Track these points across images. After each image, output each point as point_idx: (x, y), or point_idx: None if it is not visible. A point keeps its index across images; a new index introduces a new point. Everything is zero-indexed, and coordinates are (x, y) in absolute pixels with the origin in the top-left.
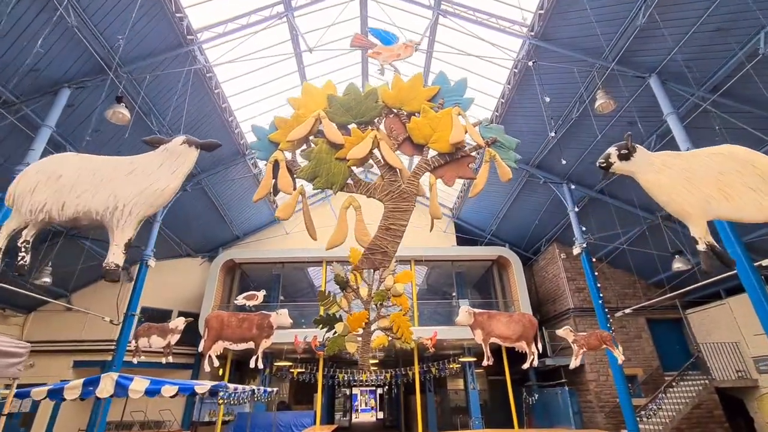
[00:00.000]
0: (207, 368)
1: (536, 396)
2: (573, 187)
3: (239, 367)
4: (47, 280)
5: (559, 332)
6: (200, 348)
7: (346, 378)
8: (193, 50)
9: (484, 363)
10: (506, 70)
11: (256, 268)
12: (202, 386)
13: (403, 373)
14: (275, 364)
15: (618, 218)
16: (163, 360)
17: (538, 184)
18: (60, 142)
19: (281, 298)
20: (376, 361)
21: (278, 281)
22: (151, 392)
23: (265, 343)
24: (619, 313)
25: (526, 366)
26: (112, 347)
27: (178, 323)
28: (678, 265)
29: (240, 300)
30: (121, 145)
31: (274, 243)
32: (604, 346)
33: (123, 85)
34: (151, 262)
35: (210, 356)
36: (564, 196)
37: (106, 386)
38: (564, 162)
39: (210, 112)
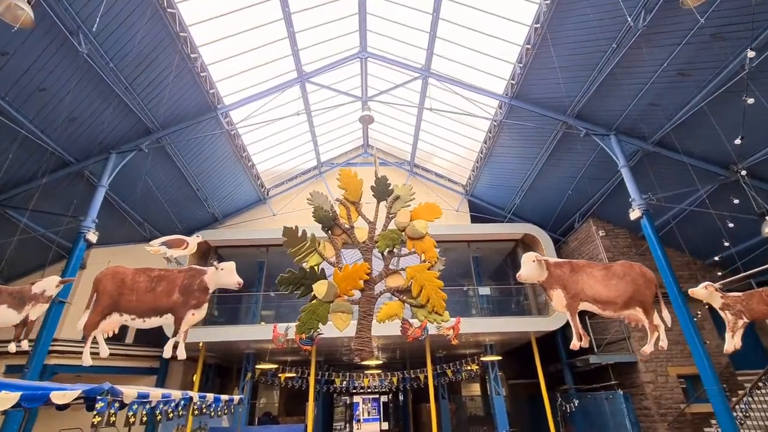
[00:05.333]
0: (86, 361)
1: (576, 402)
2: (623, 139)
3: (221, 373)
4: None
5: (695, 291)
6: (80, 324)
7: (344, 383)
8: None
9: (575, 344)
10: None
11: (235, 254)
12: (64, 395)
13: (412, 376)
14: (258, 367)
15: (680, 178)
16: (12, 348)
17: (575, 141)
18: None
19: (264, 288)
20: (379, 361)
21: (262, 269)
22: None
23: (192, 317)
24: (701, 287)
25: (647, 349)
26: (55, 348)
27: (48, 285)
28: None
29: (155, 245)
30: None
31: (261, 226)
32: None
33: None
34: (92, 236)
35: (97, 338)
36: (612, 150)
37: None
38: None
39: (166, 41)
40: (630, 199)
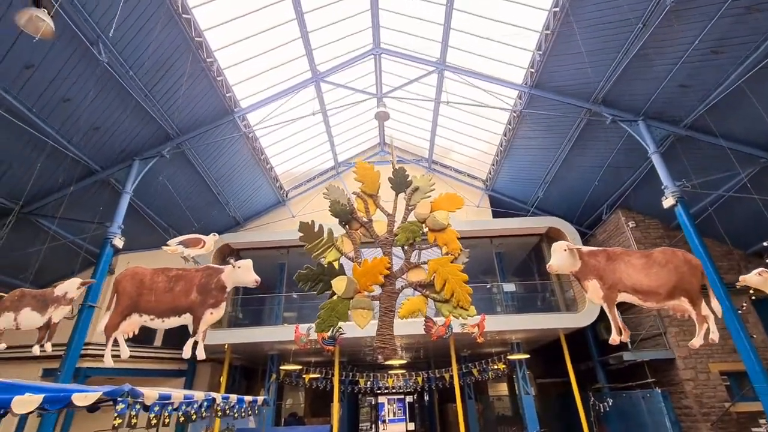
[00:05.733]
0: (108, 363)
1: (610, 401)
2: (652, 124)
3: (247, 375)
4: None
5: (748, 279)
6: (101, 326)
7: (368, 384)
8: None
9: (614, 339)
10: None
11: (257, 256)
12: (86, 397)
13: (437, 376)
14: (282, 368)
15: (717, 162)
16: (36, 350)
17: (600, 129)
18: None
19: (285, 290)
20: (403, 361)
21: (283, 270)
22: None
23: (211, 316)
24: (754, 274)
25: (697, 342)
26: (88, 351)
27: (69, 287)
28: None
29: (173, 245)
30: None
31: (281, 228)
32: None
33: None
34: (118, 242)
35: (118, 339)
36: (641, 137)
37: None
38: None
39: (182, 47)
40: (662, 187)
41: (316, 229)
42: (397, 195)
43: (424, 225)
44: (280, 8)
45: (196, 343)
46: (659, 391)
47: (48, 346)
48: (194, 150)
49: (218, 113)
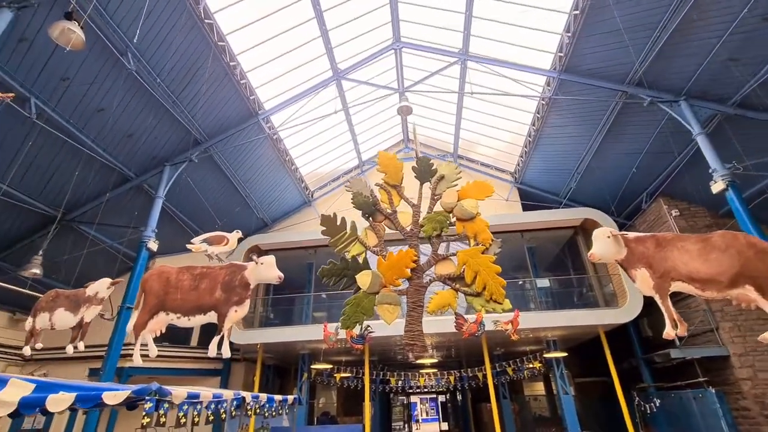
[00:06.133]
0: (137, 361)
1: (657, 402)
2: (696, 104)
3: (280, 374)
4: (36, 271)
5: None
6: (129, 326)
7: (399, 383)
8: None
9: (669, 334)
10: None
11: (286, 256)
12: (116, 395)
13: (470, 375)
14: (313, 367)
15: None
16: (70, 349)
17: (637, 112)
18: None
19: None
20: (434, 359)
21: (311, 270)
22: (27, 406)
23: (235, 314)
24: None
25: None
26: (130, 351)
27: (100, 287)
28: None
29: (197, 243)
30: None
31: (308, 228)
32: None
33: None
34: (152, 245)
35: (146, 338)
36: (684, 118)
37: None
38: None
39: (206, 52)
40: (710, 171)
41: (339, 222)
42: (421, 185)
43: (451, 215)
44: (300, 8)
45: (221, 338)
46: (713, 390)
47: (81, 345)
48: (221, 154)
49: (243, 116)
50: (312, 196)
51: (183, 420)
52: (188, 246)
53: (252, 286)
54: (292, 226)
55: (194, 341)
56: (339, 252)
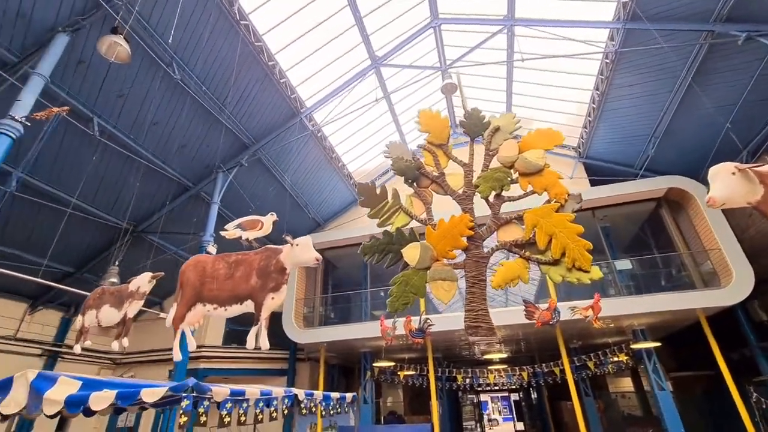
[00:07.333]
0: (176, 357)
1: None
2: None
3: (345, 373)
4: (114, 280)
5: None
6: (168, 320)
7: (466, 381)
8: None
9: None
10: None
11: (340, 255)
12: (153, 392)
13: (545, 370)
14: (375, 365)
15: None
16: (115, 345)
17: (728, 54)
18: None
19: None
20: (502, 354)
21: (366, 267)
22: (72, 404)
23: (272, 302)
24: None
25: None
26: (203, 354)
27: (141, 281)
28: None
29: (230, 228)
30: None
31: (361, 225)
32: None
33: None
34: (211, 249)
35: (185, 331)
36: None
37: (17, 395)
38: None
39: (244, 54)
40: None
41: (379, 191)
42: (472, 140)
43: (512, 170)
44: None
45: (258, 329)
46: None
47: (125, 342)
48: (269, 156)
49: (286, 116)
50: None
51: (227, 419)
52: (222, 233)
53: (288, 271)
54: (345, 224)
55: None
56: (381, 225)
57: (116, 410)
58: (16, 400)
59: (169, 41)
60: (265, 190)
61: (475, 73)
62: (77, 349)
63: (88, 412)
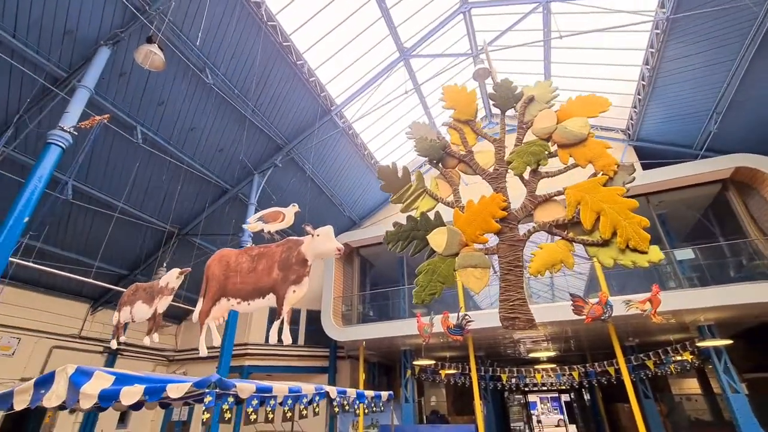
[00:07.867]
0: (202, 352)
1: None
2: None
3: (386, 371)
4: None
5: None
6: (195, 314)
7: (512, 380)
8: None
9: None
10: None
11: (376, 252)
12: (178, 387)
13: (598, 370)
14: (416, 363)
15: None
16: (147, 341)
17: None
18: None
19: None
20: (550, 353)
21: (402, 263)
22: (105, 398)
23: (294, 295)
24: None
25: None
26: (248, 351)
27: (170, 277)
28: None
29: (252, 222)
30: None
31: None
32: None
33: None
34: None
35: (210, 326)
36: None
37: (58, 388)
38: None
39: (273, 55)
40: None
41: (401, 173)
42: (503, 113)
43: (549, 143)
44: None
45: (281, 323)
46: None
47: (155, 337)
48: (302, 155)
49: (317, 114)
50: None
51: (253, 416)
52: (244, 226)
53: (310, 262)
54: (381, 221)
55: (300, 340)
56: (405, 210)
57: (161, 405)
58: (57, 394)
59: (201, 47)
60: (299, 189)
61: (508, 57)
62: (113, 344)
63: (137, 406)
